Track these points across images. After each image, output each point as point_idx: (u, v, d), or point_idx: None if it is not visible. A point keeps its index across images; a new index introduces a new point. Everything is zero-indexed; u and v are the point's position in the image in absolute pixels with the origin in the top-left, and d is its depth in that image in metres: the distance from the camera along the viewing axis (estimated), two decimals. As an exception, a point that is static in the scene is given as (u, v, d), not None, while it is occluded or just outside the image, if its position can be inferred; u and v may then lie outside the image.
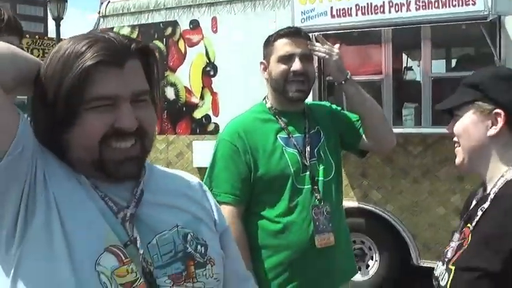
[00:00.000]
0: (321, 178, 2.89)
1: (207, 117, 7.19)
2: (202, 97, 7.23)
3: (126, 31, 7.76)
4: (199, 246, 1.51)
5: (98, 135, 1.39)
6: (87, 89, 1.38)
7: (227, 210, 2.66)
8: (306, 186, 2.85)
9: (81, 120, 1.38)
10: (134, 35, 7.72)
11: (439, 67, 7.22)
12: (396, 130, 6.13)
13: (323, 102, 3.40)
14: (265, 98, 3.05)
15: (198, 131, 7.24)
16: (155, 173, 1.62)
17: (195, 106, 7.28)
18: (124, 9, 7.81)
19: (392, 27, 5.92)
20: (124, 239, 1.40)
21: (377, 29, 5.99)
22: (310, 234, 2.80)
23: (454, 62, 7.35)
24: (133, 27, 7.71)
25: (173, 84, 7.44)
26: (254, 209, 2.87)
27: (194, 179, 1.70)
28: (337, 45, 3.14)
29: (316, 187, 2.86)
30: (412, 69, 7.54)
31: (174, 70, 7.40)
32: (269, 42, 2.97)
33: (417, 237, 6.27)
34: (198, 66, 7.24)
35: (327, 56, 2.99)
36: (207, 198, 1.68)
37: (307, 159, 2.89)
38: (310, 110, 3.09)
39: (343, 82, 3.04)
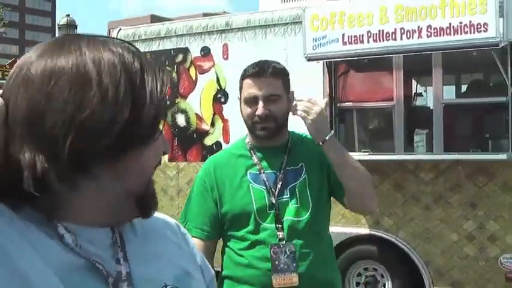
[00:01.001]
0: (288, 217, 2.75)
1: (218, 144, 7.20)
2: (213, 124, 7.25)
3: (137, 58, 7.79)
4: None
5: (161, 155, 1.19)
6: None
7: (197, 245, 2.63)
8: (269, 225, 2.74)
9: (158, 136, 1.10)
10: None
11: (450, 93, 7.23)
12: (407, 157, 6.24)
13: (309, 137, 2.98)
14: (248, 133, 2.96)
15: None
16: None
17: (206, 133, 7.30)
18: (135, 36, 7.86)
19: (404, 54, 5.95)
20: None
21: (388, 56, 6.01)
22: (268, 273, 2.71)
23: (465, 88, 7.36)
24: (144, 54, 7.74)
25: (184, 111, 7.46)
26: (226, 241, 2.87)
27: (170, 219, 1.38)
28: (324, 101, 3.02)
29: (280, 226, 2.73)
30: (423, 96, 7.57)
31: (185, 97, 7.43)
32: (239, 80, 2.88)
33: (430, 264, 6.22)
34: (209, 93, 7.27)
35: (304, 115, 2.76)
36: (187, 241, 1.36)
37: (275, 197, 2.76)
38: (296, 145, 2.91)
39: (321, 143, 2.76)
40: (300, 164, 2.84)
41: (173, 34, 7.59)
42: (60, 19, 17.17)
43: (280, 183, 2.78)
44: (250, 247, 2.75)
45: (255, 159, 2.84)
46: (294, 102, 2.83)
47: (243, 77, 2.84)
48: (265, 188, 2.78)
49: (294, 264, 2.70)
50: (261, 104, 2.75)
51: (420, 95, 7.57)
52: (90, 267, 1.05)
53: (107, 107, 0.99)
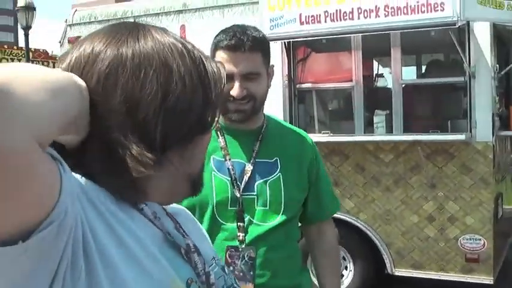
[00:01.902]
0: (253, 219, 2.32)
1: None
2: None
3: (93, 40, 7.62)
4: (232, 280, 1.30)
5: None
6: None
7: None
8: (228, 224, 2.30)
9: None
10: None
11: (410, 74, 7.19)
12: (367, 138, 6.18)
13: (299, 131, 2.65)
14: None
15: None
16: None
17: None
18: (91, 18, 7.68)
19: (362, 34, 5.87)
20: (189, 276, 1.13)
21: (346, 35, 5.93)
22: None
23: (424, 69, 7.31)
24: (100, 36, 7.56)
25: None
26: None
27: (185, 209, 1.41)
28: None
29: (242, 225, 2.29)
30: (383, 76, 7.50)
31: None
32: (211, 51, 2.34)
33: (391, 245, 6.19)
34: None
35: None
36: (202, 228, 1.45)
37: (240, 191, 2.30)
38: (273, 134, 2.47)
39: None
40: (275, 159, 2.40)
41: (130, 15, 7.41)
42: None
43: (247, 176, 2.33)
44: None
45: (222, 142, 2.36)
46: None
47: (216, 47, 2.31)
48: (229, 179, 2.30)
49: (251, 273, 2.30)
50: (237, 83, 2.30)
51: (381, 75, 7.51)
52: (166, 239, 1.12)
53: (187, 93, 1.03)
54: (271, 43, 5.98)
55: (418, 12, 5.35)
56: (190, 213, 1.40)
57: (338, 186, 6.32)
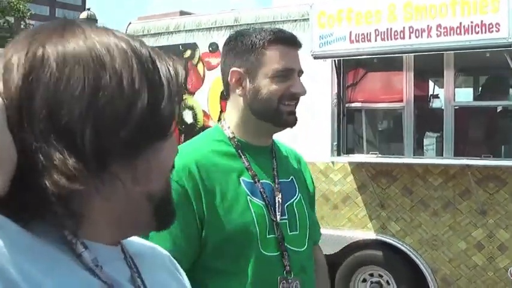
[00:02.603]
0: (289, 246, 2.05)
1: (224, 142, 7.05)
2: (220, 121, 7.09)
3: (145, 53, 7.69)
4: None
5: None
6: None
7: None
8: (272, 254, 2.00)
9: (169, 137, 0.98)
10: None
11: (463, 95, 7.00)
12: (417, 160, 6.03)
13: (290, 148, 2.37)
14: (221, 121, 2.16)
15: (214, 155, 7.11)
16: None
17: (213, 130, 7.14)
18: (144, 31, 7.75)
19: (412, 54, 5.74)
20: None
21: (397, 55, 5.81)
22: None
23: (477, 91, 7.12)
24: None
25: (191, 108, 7.33)
26: (199, 278, 1.90)
27: (162, 249, 1.20)
28: None
29: (286, 253, 2.02)
30: (435, 97, 7.33)
31: (192, 93, 7.29)
32: (253, 46, 2.02)
33: (437, 272, 6.00)
34: (217, 89, 7.10)
35: None
36: (183, 278, 1.19)
37: (276, 216, 2.03)
38: (280, 151, 2.24)
39: None
40: (291, 178, 2.18)
41: (182, 29, 7.46)
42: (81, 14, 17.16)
43: (278, 198, 2.08)
44: (252, 286, 1.97)
45: (246, 162, 2.05)
46: None
47: (268, 42, 2.01)
48: (263, 203, 2.02)
49: None
50: (298, 79, 2.05)
51: (433, 96, 7.33)
52: None
53: (124, 91, 0.88)
54: (321, 61, 6.00)
55: (472, 33, 5.20)
56: (166, 253, 1.17)
57: (384, 209, 6.18)
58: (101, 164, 0.87)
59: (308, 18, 6.15)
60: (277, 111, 2.03)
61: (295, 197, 2.13)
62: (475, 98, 6.84)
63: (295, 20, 6.58)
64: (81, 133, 0.85)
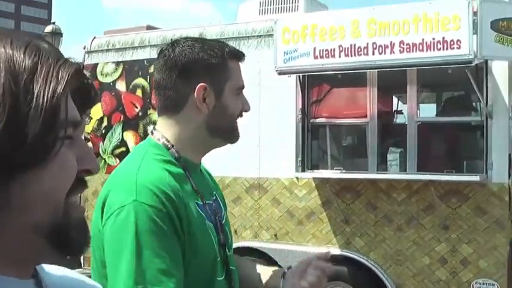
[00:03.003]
0: (231, 266, 1.97)
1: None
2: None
3: (110, 67, 7.63)
4: None
5: (73, 175, 0.91)
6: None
7: None
8: (221, 278, 1.90)
9: (57, 154, 0.86)
10: (118, 72, 7.59)
11: (427, 111, 7.07)
12: (381, 176, 6.06)
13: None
14: (157, 136, 1.93)
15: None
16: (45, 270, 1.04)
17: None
18: (109, 45, 7.70)
19: (376, 70, 5.78)
20: None
21: (361, 71, 5.85)
22: None
23: (440, 106, 7.19)
24: (117, 63, 7.58)
25: (155, 123, 7.26)
26: None
27: (93, 282, 1.15)
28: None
29: (230, 277, 1.95)
30: (399, 113, 7.39)
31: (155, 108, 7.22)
32: (219, 61, 1.91)
33: (401, 287, 6.01)
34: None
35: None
36: None
37: (223, 238, 1.94)
38: (202, 168, 2.10)
39: None
40: (215, 195, 2.06)
41: (147, 44, 7.41)
42: (46, 27, 16.95)
43: (219, 218, 1.97)
44: None
45: (193, 184, 1.89)
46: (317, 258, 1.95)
47: (228, 56, 1.93)
48: (213, 225, 1.91)
49: None
50: (245, 97, 2.01)
51: (397, 112, 7.39)
52: None
53: None
54: (285, 77, 6.01)
55: (434, 50, 5.25)
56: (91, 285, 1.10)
57: (349, 224, 6.19)
58: None
59: (273, 34, 6.16)
60: (233, 128, 1.98)
61: (223, 216, 2.03)
62: (438, 114, 6.91)
63: (260, 36, 6.59)
64: None
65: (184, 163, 1.88)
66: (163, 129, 1.91)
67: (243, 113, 2.00)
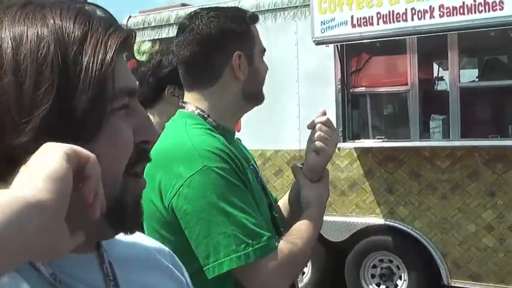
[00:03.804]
0: (282, 229, 1.93)
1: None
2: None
3: (147, 45, 7.64)
4: None
5: (129, 147, 0.88)
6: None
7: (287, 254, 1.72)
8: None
9: (110, 126, 0.84)
10: (155, 50, 7.59)
11: (468, 76, 6.91)
12: (423, 143, 5.97)
13: None
14: (194, 110, 1.89)
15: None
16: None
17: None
18: (145, 23, 7.70)
19: (417, 36, 5.67)
20: None
21: (400, 38, 5.74)
22: None
23: (482, 71, 7.03)
24: (154, 41, 7.58)
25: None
26: None
27: (162, 246, 1.14)
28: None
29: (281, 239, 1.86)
30: (440, 79, 7.25)
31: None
32: (246, 27, 1.90)
33: (447, 255, 5.95)
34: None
35: (322, 146, 1.92)
36: (182, 271, 1.14)
37: (271, 200, 1.97)
38: None
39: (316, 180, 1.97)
40: (251, 162, 2.04)
41: (183, 20, 7.39)
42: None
43: (261, 182, 1.99)
44: None
45: (233, 149, 1.85)
46: (316, 121, 1.95)
47: (250, 22, 1.91)
48: (261, 188, 1.93)
49: None
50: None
51: (438, 79, 7.25)
52: None
53: (25, 94, 0.78)
54: (323, 47, 5.94)
55: (475, 12, 5.13)
56: (165, 251, 1.10)
57: (392, 193, 6.13)
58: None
59: (309, 4, 6.08)
60: (262, 90, 1.98)
61: (263, 181, 2.05)
62: (480, 79, 6.76)
63: (296, 7, 6.52)
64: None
65: (223, 131, 1.86)
66: (196, 102, 1.90)
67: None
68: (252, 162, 2.04)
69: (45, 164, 0.68)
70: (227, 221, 1.64)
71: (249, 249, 1.63)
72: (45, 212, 0.65)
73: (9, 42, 0.80)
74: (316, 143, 1.91)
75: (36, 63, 0.79)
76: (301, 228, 1.81)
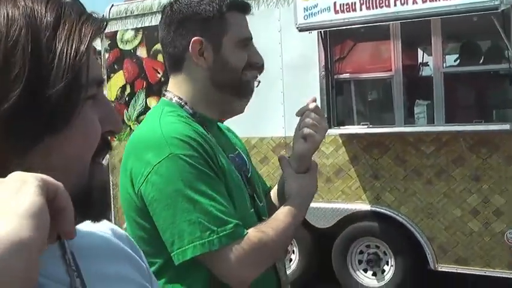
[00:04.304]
0: (263, 217, 1.91)
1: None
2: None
3: (129, 34, 7.59)
4: None
5: (98, 136, 0.88)
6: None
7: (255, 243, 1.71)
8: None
9: (81, 115, 0.83)
10: (138, 38, 7.55)
11: (452, 61, 6.92)
12: (408, 129, 5.98)
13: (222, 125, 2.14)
14: (170, 95, 1.89)
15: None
16: None
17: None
18: (127, 12, 7.63)
19: (400, 21, 5.66)
20: None
21: (383, 23, 5.73)
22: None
23: (466, 56, 7.04)
24: (137, 30, 7.53)
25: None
26: None
27: (118, 229, 1.11)
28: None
29: None
30: (424, 65, 7.26)
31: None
32: (215, 14, 1.85)
33: (433, 240, 5.98)
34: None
35: (310, 132, 1.88)
36: (140, 255, 1.12)
37: (252, 189, 1.93)
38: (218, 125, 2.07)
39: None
40: (237, 150, 2.03)
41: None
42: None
43: (243, 172, 1.95)
44: None
45: (212, 138, 1.85)
46: (305, 108, 1.92)
47: (226, 8, 1.86)
48: (240, 176, 1.89)
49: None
50: (255, 48, 1.93)
51: (425, 64, 7.25)
52: None
53: None
54: (306, 33, 5.92)
55: (458, -3, 5.12)
56: (124, 236, 1.09)
57: (378, 179, 6.14)
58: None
59: (292, -9, 6.05)
60: (240, 82, 1.90)
61: (249, 168, 2.01)
62: (464, 64, 6.76)
63: (279, -7, 6.49)
64: None
65: (200, 118, 1.85)
66: (174, 89, 1.90)
67: (256, 66, 1.93)
68: (240, 151, 2.03)
69: (21, 199, 0.66)
70: (192, 208, 1.64)
71: (214, 237, 1.63)
72: (29, 249, 0.64)
73: None
74: (305, 129, 1.88)
75: (6, 46, 0.77)
76: (277, 219, 1.79)
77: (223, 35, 1.87)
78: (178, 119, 1.79)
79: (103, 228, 1.06)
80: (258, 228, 1.74)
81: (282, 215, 1.80)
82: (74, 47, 0.80)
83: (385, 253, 6.35)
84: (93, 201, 0.87)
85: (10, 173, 0.71)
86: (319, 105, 6.20)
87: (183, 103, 1.86)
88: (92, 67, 0.85)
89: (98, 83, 0.87)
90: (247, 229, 1.71)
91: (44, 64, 0.78)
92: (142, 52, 7.53)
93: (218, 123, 2.04)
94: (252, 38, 1.92)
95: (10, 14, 0.78)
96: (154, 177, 1.67)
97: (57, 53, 0.79)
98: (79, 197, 0.81)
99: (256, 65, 1.93)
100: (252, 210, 1.87)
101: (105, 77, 7.56)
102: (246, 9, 1.92)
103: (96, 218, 0.90)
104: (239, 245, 1.65)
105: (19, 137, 0.78)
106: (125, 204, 1.77)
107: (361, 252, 6.47)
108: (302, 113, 1.90)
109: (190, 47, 1.84)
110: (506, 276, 5.69)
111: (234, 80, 1.89)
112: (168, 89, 1.92)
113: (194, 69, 1.87)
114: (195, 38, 1.84)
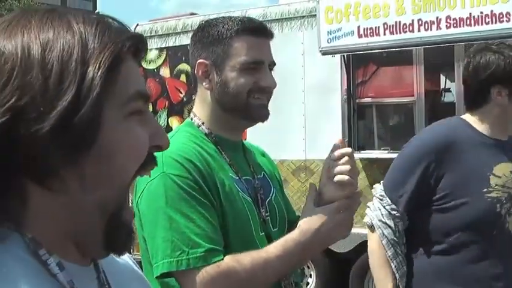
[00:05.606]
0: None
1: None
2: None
3: (153, 54, 7.66)
4: None
5: (145, 150, 0.92)
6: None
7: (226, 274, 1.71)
8: None
9: (128, 129, 0.88)
10: (161, 58, 7.62)
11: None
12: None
13: (251, 143, 2.19)
14: (192, 116, 1.96)
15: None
16: None
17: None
18: (152, 32, 7.71)
19: (424, 47, 5.66)
20: None
21: (406, 48, 5.74)
22: None
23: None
24: (160, 49, 7.60)
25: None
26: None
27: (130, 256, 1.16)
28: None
29: None
30: (447, 91, 7.23)
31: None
32: (220, 37, 1.88)
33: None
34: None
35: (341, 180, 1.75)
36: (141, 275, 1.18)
37: (265, 213, 1.92)
38: (246, 147, 2.07)
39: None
40: (263, 173, 2.03)
41: (189, 29, 7.39)
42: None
43: (260, 194, 1.95)
44: None
45: (227, 158, 1.89)
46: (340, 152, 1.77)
47: (235, 32, 1.87)
48: (251, 199, 1.88)
49: None
50: (268, 71, 1.90)
51: (448, 90, 7.23)
52: None
53: (49, 89, 0.81)
54: (329, 57, 5.95)
55: (482, 24, 5.12)
56: (138, 270, 1.14)
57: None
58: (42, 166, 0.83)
59: (315, 14, 6.08)
60: (246, 106, 1.88)
61: (271, 193, 2.01)
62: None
63: (303, 17, 6.52)
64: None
65: (216, 139, 1.89)
66: (196, 109, 1.96)
67: (261, 90, 1.89)
68: (266, 174, 2.04)
69: None
70: (169, 226, 1.69)
71: (183, 257, 1.66)
72: None
73: (38, 43, 0.83)
74: (341, 176, 1.75)
75: (62, 62, 0.82)
76: (266, 249, 1.76)
77: (227, 58, 1.87)
78: (189, 139, 1.84)
79: (130, 261, 1.13)
80: (234, 257, 1.72)
81: (273, 246, 1.76)
82: (108, 64, 0.85)
83: (403, 279, 6.28)
84: (118, 237, 0.91)
85: (64, 181, 0.82)
86: (340, 129, 6.19)
87: (200, 123, 1.91)
88: (137, 81, 0.90)
89: (144, 98, 0.91)
90: (224, 255, 1.71)
91: (85, 82, 0.83)
92: (165, 72, 7.60)
93: (253, 146, 2.11)
94: (263, 62, 1.89)
95: (65, 36, 0.85)
96: (146, 193, 1.75)
97: (96, 73, 0.84)
98: (113, 223, 0.88)
99: (265, 90, 1.90)
100: (263, 234, 1.86)
101: (128, 95, 7.64)
102: (259, 32, 1.91)
103: (119, 253, 0.96)
104: (207, 270, 1.67)
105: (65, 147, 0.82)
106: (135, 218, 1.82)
107: (379, 278, 6.40)
108: (339, 157, 1.77)
109: (195, 69, 1.89)
110: None
111: (239, 104, 1.88)
112: (193, 108, 1.98)
113: (204, 91, 1.91)
114: (200, 60, 1.88)
